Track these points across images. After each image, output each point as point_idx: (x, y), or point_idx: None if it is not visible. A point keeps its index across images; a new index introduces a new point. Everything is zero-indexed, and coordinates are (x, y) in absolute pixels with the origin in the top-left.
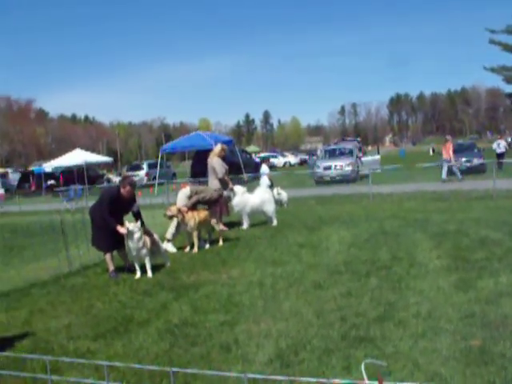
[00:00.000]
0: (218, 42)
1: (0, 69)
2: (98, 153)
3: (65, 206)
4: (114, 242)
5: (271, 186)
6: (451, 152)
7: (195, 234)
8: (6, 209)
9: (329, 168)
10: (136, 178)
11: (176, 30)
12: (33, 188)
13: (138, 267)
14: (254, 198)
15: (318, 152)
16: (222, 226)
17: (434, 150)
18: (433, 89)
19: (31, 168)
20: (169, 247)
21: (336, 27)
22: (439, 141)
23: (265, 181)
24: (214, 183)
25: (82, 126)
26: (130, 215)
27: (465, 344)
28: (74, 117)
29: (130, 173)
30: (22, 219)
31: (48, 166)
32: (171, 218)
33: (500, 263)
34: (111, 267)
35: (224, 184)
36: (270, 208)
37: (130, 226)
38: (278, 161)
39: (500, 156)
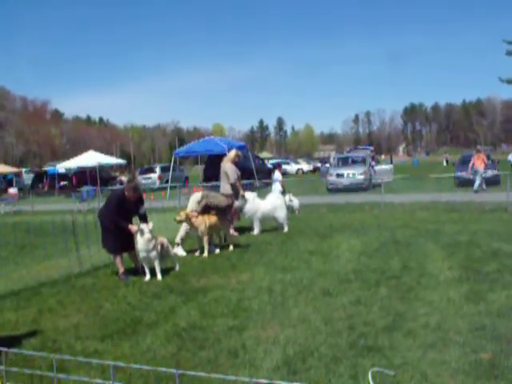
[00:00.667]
0: (233, 48)
1: (17, 69)
2: (112, 155)
3: (77, 207)
4: (123, 243)
5: (283, 193)
6: (483, 163)
7: (205, 239)
8: (20, 208)
9: (341, 176)
10: (148, 181)
11: (192, 34)
12: (46, 188)
13: (147, 270)
14: (266, 203)
15: (331, 160)
16: (232, 232)
17: (447, 161)
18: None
19: (45, 168)
20: (179, 251)
21: (352, 35)
22: (453, 152)
23: (277, 187)
24: (225, 188)
25: (96, 127)
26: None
27: (475, 357)
28: (88, 118)
29: (141, 176)
30: (35, 218)
31: (61, 167)
32: (180, 222)
33: None
34: (121, 269)
35: (235, 190)
36: (281, 214)
37: (141, 225)
38: (291, 168)
39: None
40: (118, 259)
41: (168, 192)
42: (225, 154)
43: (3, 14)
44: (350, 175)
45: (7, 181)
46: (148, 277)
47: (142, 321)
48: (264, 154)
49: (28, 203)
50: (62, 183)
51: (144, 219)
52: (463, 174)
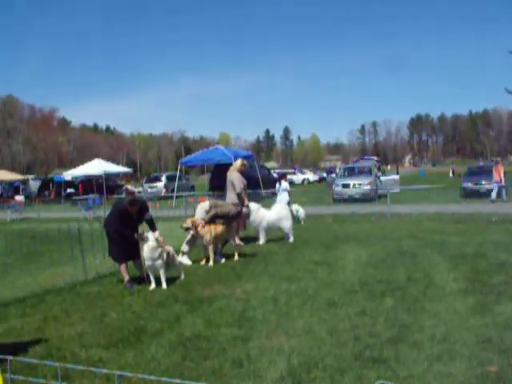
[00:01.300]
0: (240, 58)
1: (25, 78)
2: (118, 163)
3: (83, 215)
4: (128, 252)
5: (289, 203)
6: (502, 174)
7: (211, 248)
8: (26, 215)
9: (347, 186)
10: (154, 190)
11: (199, 44)
12: (52, 196)
13: (152, 278)
14: (271, 213)
15: (337, 170)
16: (238, 241)
17: (453, 172)
18: (454, 110)
19: (51, 176)
20: (184, 260)
21: (359, 46)
22: (459, 162)
23: (284, 197)
24: (231, 197)
25: (103, 136)
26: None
27: (481, 369)
28: (95, 126)
29: (147, 184)
30: (41, 226)
31: (68, 175)
32: (187, 230)
33: None
34: (126, 277)
35: (241, 199)
36: (286, 224)
37: (147, 233)
38: (297, 177)
39: None
40: (123, 267)
41: (174, 201)
42: (231, 164)
43: (12, 23)
44: (356, 185)
45: (14, 188)
46: (153, 285)
47: (147, 330)
48: (270, 164)
49: (34, 210)
50: (69, 191)
51: (151, 225)
52: (470, 185)
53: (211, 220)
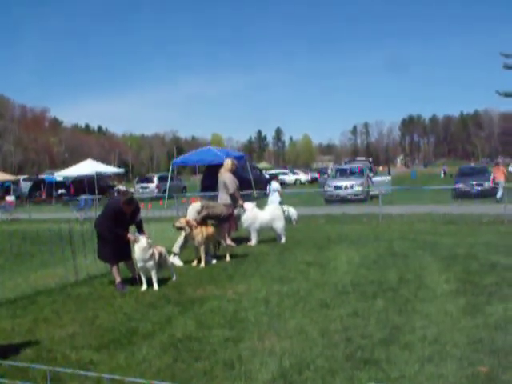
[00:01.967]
0: (232, 59)
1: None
2: (110, 163)
3: (74, 216)
4: (120, 253)
5: (281, 203)
6: (503, 175)
7: (202, 249)
8: (16, 216)
9: (339, 187)
10: (146, 190)
11: (191, 44)
12: (43, 196)
13: (144, 279)
14: (264, 214)
15: (329, 171)
16: (230, 242)
17: (445, 173)
18: (446, 111)
19: (43, 176)
20: (175, 261)
21: (351, 47)
22: (451, 163)
23: (276, 198)
24: (223, 198)
25: (95, 136)
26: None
27: (472, 370)
28: (87, 127)
29: (138, 185)
30: (32, 227)
31: (59, 175)
32: (180, 229)
33: (510, 289)
34: (118, 279)
35: (234, 200)
36: (279, 225)
37: (139, 235)
38: (289, 178)
39: None
40: (115, 269)
41: (166, 202)
42: (223, 165)
43: (3, 22)
44: (348, 186)
45: (5, 188)
46: (145, 287)
47: (138, 331)
48: (262, 165)
49: (25, 211)
50: (60, 191)
51: (140, 227)
52: (461, 187)
53: (202, 221)
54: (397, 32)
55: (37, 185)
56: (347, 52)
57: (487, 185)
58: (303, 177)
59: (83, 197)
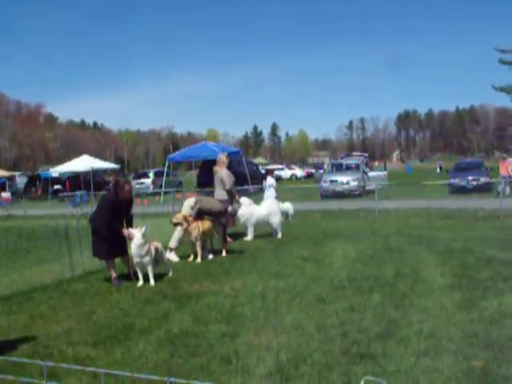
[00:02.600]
0: (228, 54)
1: (11, 73)
2: (106, 159)
3: (70, 212)
4: (116, 248)
5: (276, 198)
6: (510, 169)
7: (198, 244)
8: (12, 212)
9: (335, 182)
10: (142, 186)
11: (188, 40)
12: (39, 192)
13: (140, 275)
14: (261, 209)
15: (325, 166)
16: (226, 237)
17: (441, 168)
18: (441, 106)
19: (38, 172)
20: (172, 256)
21: (347, 42)
22: (446, 158)
23: (271, 193)
24: (220, 194)
25: (90, 132)
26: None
27: (467, 364)
28: (82, 123)
29: (134, 181)
30: (28, 223)
31: (55, 171)
32: (176, 224)
33: (505, 283)
34: (114, 274)
35: (231, 195)
36: (276, 220)
37: (133, 230)
38: (285, 173)
39: None
40: (111, 264)
41: (161, 197)
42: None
43: None
44: (344, 181)
45: (0, 185)
46: (141, 282)
47: (135, 327)
48: (258, 160)
49: (21, 207)
50: (56, 187)
51: (130, 222)
52: (457, 181)
53: (199, 216)
54: (393, 28)
55: (32, 181)
56: (343, 48)
57: (482, 179)
58: (299, 172)
59: (79, 193)
